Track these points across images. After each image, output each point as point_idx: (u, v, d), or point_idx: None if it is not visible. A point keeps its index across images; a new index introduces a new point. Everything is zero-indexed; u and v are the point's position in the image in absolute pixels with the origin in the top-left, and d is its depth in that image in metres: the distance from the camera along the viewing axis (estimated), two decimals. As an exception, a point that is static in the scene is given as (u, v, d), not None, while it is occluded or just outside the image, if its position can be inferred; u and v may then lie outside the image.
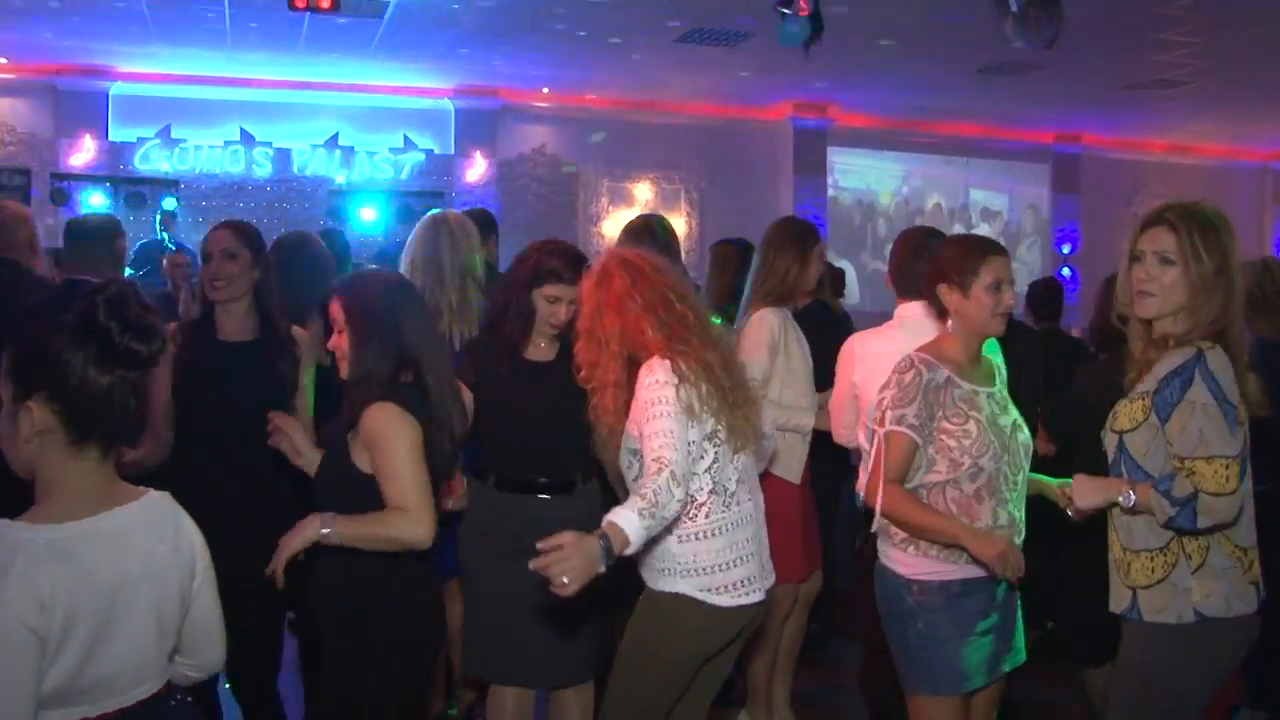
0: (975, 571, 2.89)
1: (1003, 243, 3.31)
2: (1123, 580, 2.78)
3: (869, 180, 14.65)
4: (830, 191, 14.14)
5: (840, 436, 3.79)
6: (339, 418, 2.77)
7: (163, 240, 10.55)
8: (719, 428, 2.85)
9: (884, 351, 3.33)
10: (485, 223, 4.74)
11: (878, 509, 2.91)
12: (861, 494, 3.00)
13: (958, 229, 14.98)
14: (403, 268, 3.80)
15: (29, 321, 1.87)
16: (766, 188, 13.66)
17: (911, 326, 3.44)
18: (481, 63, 11.25)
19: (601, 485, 3.40)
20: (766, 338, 4.07)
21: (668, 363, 2.80)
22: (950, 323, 2.98)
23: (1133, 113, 13.28)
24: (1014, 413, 3.05)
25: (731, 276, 4.59)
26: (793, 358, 4.16)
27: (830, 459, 4.33)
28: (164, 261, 8.55)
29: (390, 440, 2.62)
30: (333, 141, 12.15)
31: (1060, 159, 15.37)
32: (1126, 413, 2.74)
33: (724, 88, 12.36)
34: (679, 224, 13.13)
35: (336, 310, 2.77)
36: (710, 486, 2.87)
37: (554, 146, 13.04)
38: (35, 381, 1.83)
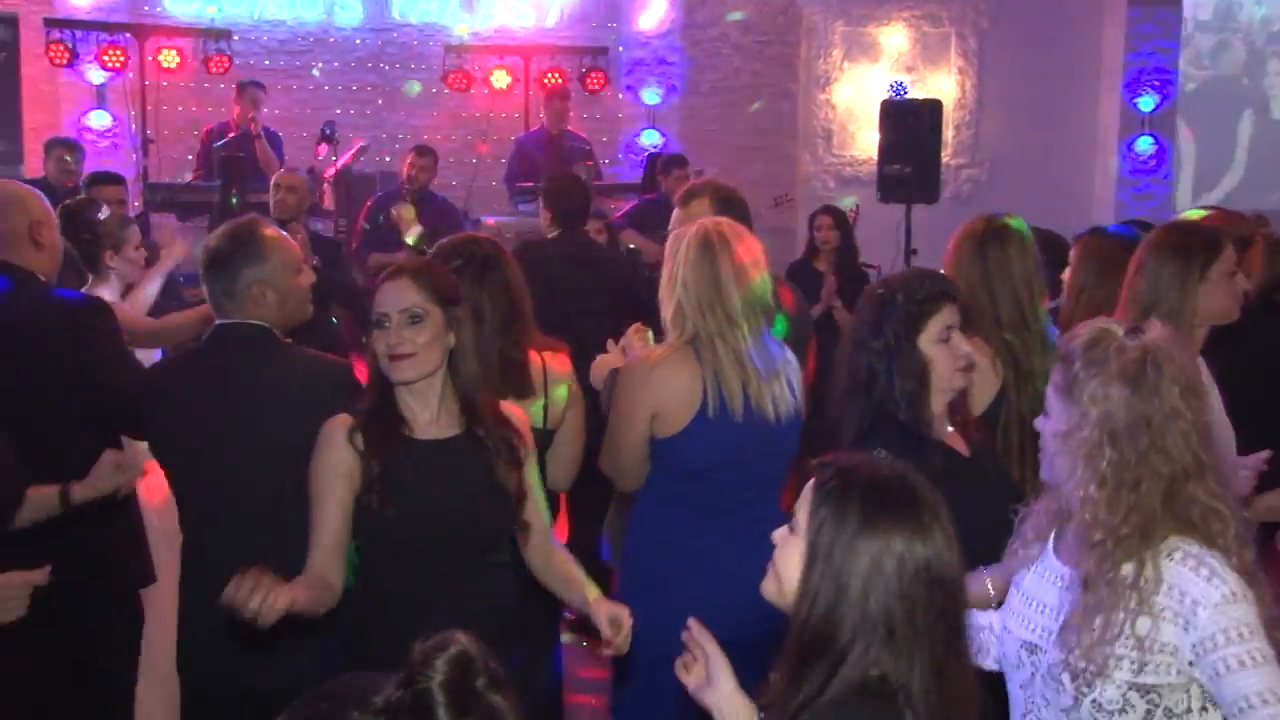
0: None
1: None
2: None
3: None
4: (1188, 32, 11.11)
5: None
6: None
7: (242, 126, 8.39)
8: None
9: None
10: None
11: None
12: None
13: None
14: (675, 299, 3.37)
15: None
16: (1080, 31, 11.12)
17: None
18: None
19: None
20: None
21: (1229, 567, 2.06)
22: None
23: None
24: None
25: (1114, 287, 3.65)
26: None
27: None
28: (273, 180, 6.41)
29: None
30: (449, -25, 10.49)
31: None
32: None
33: None
34: (947, 86, 11.06)
35: None
36: None
37: (765, -24, 10.89)
38: None
